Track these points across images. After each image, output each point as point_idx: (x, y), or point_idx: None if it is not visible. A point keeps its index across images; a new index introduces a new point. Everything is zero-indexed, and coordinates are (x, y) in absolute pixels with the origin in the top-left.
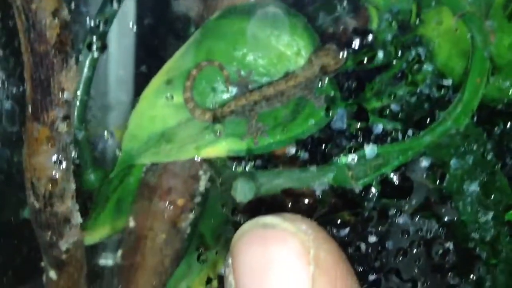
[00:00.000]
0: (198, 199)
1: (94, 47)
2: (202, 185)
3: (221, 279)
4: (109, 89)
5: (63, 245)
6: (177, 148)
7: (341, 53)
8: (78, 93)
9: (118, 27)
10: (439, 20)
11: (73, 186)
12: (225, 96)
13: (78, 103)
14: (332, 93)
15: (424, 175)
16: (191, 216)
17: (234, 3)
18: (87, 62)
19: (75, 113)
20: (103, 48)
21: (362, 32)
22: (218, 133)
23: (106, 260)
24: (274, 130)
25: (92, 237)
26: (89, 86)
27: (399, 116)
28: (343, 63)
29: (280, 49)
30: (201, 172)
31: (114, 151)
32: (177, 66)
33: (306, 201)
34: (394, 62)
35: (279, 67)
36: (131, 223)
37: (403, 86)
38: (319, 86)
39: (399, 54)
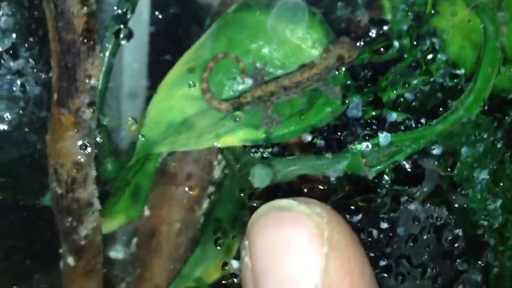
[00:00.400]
0: (211, 188)
1: (122, 35)
2: (217, 173)
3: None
4: (124, 81)
5: (83, 231)
6: (195, 137)
7: (355, 45)
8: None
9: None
10: (453, 12)
11: (94, 172)
12: (241, 87)
13: (99, 90)
14: (347, 83)
15: (436, 163)
16: (205, 205)
17: None
18: (111, 50)
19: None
20: (129, 35)
21: (377, 23)
22: (237, 120)
23: (120, 250)
24: (290, 120)
25: (109, 225)
26: (110, 73)
27: (413, 105)
28: (357, 55)
29: (295, 42)
30: (215, 162)
31: (129, 141)
32: (195, 57)
33: (321, 187)
34: (409, 52)
35: (294, 60)
36: (146, 212)
37: (417, 76)
38: (334, 77)
39: (414, 44)
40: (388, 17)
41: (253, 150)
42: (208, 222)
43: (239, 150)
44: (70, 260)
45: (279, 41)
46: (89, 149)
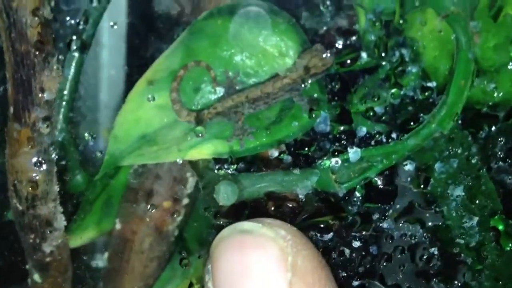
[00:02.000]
0: (185, 201)
1: (74, 46)
2: (190, 187)
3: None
4: (100, 90)
5: (47, 248)
6: (162, 150)
7: (328, 54)
8: (65, 92)
9: (108, 26)
10: (423, 21)
11: (56, 188)
12: (212, 97)
13: (64, 104)
14: (317, 95)
15: (409, 179)
16: (179, 219)
17: (220, 3)
18: (71, 62)
19: (61, 114)
20: (83, 47)
21: (346, 33)
22: (200, 135)
23: (94, 262)
24: (260, 133)
25: (78, 240)
26: (75, 86)
27: (383, 119)
28: (331, 64)
29: (267, 50)
30: (188, 174)
31: (102, 153)
32: (164, 67)
33: (290, 205)
34: (380, 64)
35: (267, 68)
36: (118, 226)
37: (387, 88)
38: (303, 89)
39: (383, 55)
40: (362, 26)
41: (217, 167)
42: (181, 238)
43: (202, 165)
44: (36, 277)
45: (251, 49)
46: (44, 166)
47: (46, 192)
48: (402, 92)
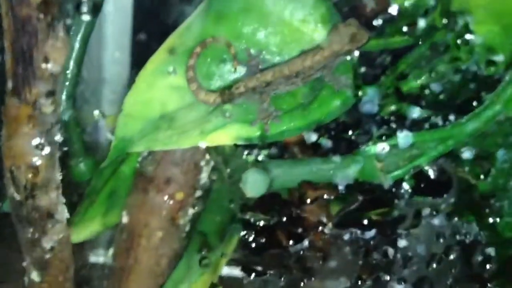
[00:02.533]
0: (198, 193)
1: (85, 8)
2: (204, 177)
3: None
4: (104, 71)
5: (47, 243)
6: (178, 134)
7: (364, 28)
8: (70, 67)
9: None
10: None
11: (58, 176)
12: (233, 77)
13: (68, 79)
14: (359, 71)
15: (466, 169)
16: (191, 211)
17: None
18: (80, 29)
19: (64, 91)
20: (95, 10)
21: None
22: (227, 115)
23: (98, 259)
24: (289, 115)
25: (81, 234)
26: (82, 59)
27: (440, 98)
28: (367, 40)
29: (294, 25)
30: (203, 163)
31: (107, 137)
32: (180, 42)
33: (327, 197)
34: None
35: (293, 46)
36: (125, 219)
37: (445, 62)
38: (342, 64)
39: (442, 24)
40: None
41: (246, 152)
42: (194, 232)
43: (228, 152)
44: (35, 276)
45: (276, 24)
46: (47, 149)
47: (47, 179)
48: (462, 67)
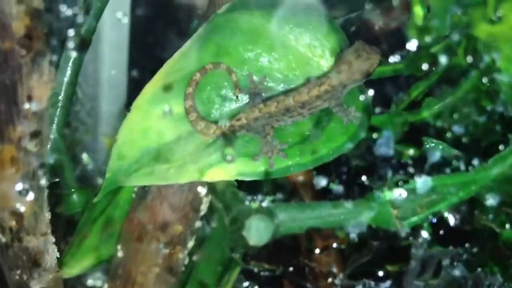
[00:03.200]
0: (198, 224)
1: (71, 44)
2: (204, 209)
3: None
4: (100, 91)
5: (36, 285)
6: (175, 168)
7: (376, 51)
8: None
9: (110, 19)
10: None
11: (47, 216)
12: (234, 106)
13: (58, 112)
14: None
15: (490, 217)
16: (190, 245)
17: None
18: (67, 63)
19: (55, 123)
20: (83, 45)
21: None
22: (229, 158)
23: None
24: (294, 149)
25: (73, 269)
26: (72, 91)
27: (462, 140)
28: (378, 64)
29: (300, 51)
30: (202, 193)
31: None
32: (177, 69)
33: (338, 245)
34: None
35: (299, 72)
36: (120, 253)
37: (469, 102)
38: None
39: (468, 60)
40: (418, 20)
41: (249, 198)
42: (192, 281)
43: (229, 195)
44: None
45: (280, 49)
46: (31, 195)
47: (33, 224)
48: (488, 107)
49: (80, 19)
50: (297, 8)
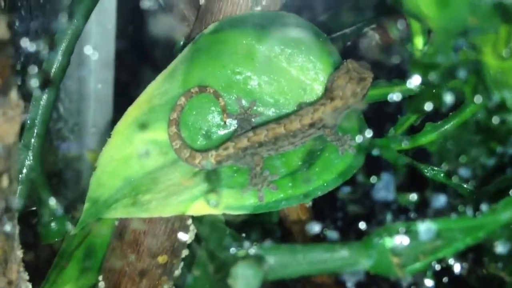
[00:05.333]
0: (185, 252)
1: (34, 82)
2: (191, 237)
3: None
4: (86, 106)
5: None
6: (158, 200)
7: (367, 68)
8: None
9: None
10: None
11: (19, 254)
12: (222, 132)
13: (33, 138)
14: (362, 132)
15: (499, 265)
16: (176, 274)
17: (233, 13)
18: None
19: (32, 148)
20: (45, 83)
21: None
22: (212, 203)
23: None
24: (286, 181)
25: None
26: (47, 122)
27: (469, 184)
28: (372, 80)
29: (292, 73)
30: (189, 221)
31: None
32: (161, 92)
33: None
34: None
35: (291, 97)
36: (102, 284)
37: (477, 143)
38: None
39: (475, 97)
40: (418, 45)
41: (235, 246)
42: None
43: (214, 243)
44: None
45: (271, 71)
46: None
47: (4, 262)
48: (497, 149)
49: (47, 54)
50: (289, 27)
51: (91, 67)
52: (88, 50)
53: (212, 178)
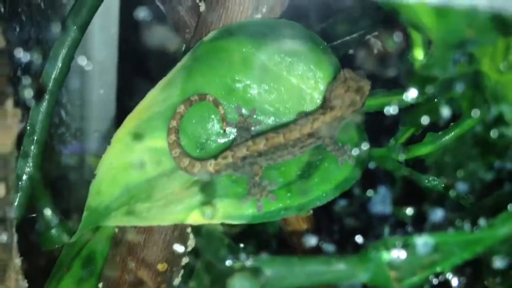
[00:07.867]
0: (185, 260)
1: (28, 93)
2: (191, 245)
3: None
4: (89, 111)
5: None
6: (157, 208)
7: (364, 77)
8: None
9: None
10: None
11: (18, 262)
12: (221, 141)
13: (33, 145)
14: (360, 143)
15: (497, 280)
16: (177, 282)
17: (233, 21)
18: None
19: (31, 155)
20: (39, 94)
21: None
22: (208, 215)
23: None
24: (285, 190)
25: None
26: (47, 129)
27: (467, 198)
28: (369, 91)
29: (292, 82)
30: (189, 229)
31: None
32: (161, 100)
33: None
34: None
35: (291, 105)
36: None
37: (476, 157)
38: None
39: (474, 111)
40: (418, 56)
41: (233, 257)
42: None
43: (211, 254)
44: None
45: (271, 80)
46: None
47: (3, 270)
48: (496, 167)
49: (41, 64)
50: (289, 35)
51: (93, 72)
52: (90, 55)
53: (208, 190)
